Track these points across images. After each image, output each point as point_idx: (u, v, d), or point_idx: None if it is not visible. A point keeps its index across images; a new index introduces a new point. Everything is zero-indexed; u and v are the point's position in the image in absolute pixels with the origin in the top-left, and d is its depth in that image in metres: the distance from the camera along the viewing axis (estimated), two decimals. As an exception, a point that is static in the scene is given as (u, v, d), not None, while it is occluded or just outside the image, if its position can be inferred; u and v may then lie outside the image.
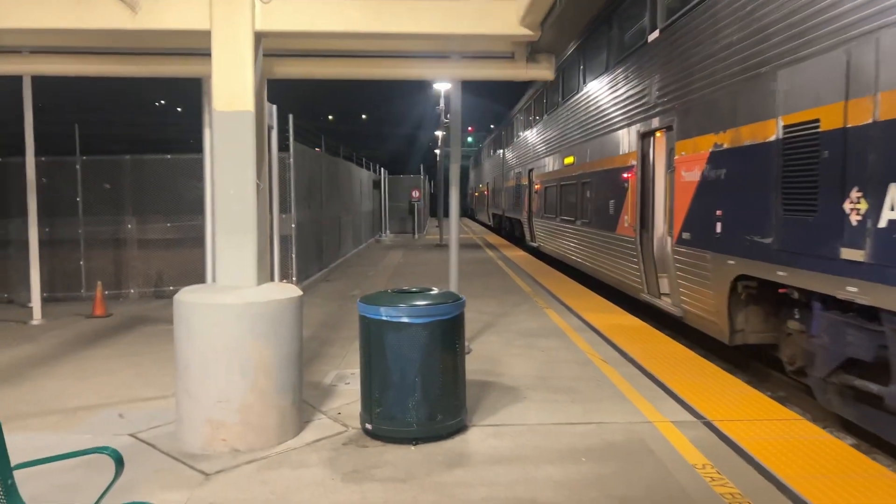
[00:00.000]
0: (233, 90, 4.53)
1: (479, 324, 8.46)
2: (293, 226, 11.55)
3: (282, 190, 11.42)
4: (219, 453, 4.35)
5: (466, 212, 59.50)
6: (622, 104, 10.38)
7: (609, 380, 5.97)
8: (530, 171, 20.13)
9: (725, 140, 6.68)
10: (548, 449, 4.40)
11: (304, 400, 5.08)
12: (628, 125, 9.98)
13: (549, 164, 16.78)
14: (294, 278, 11.59)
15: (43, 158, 11.02)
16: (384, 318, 4.43)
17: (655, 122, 8.78)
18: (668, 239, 8.32)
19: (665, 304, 8.65)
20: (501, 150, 29.41)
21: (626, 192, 9.87)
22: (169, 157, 11.29)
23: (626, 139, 10.07)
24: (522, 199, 21.75)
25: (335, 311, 9.87)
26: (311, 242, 13.06)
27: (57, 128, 11.47)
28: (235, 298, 4.40)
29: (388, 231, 28.27)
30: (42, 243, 10.92)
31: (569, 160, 14.26)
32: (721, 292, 6.79)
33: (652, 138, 9.26)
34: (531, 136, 20.12)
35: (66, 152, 11.09)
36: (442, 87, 23.59)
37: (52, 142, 11.68)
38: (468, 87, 6.81)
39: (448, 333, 4.54)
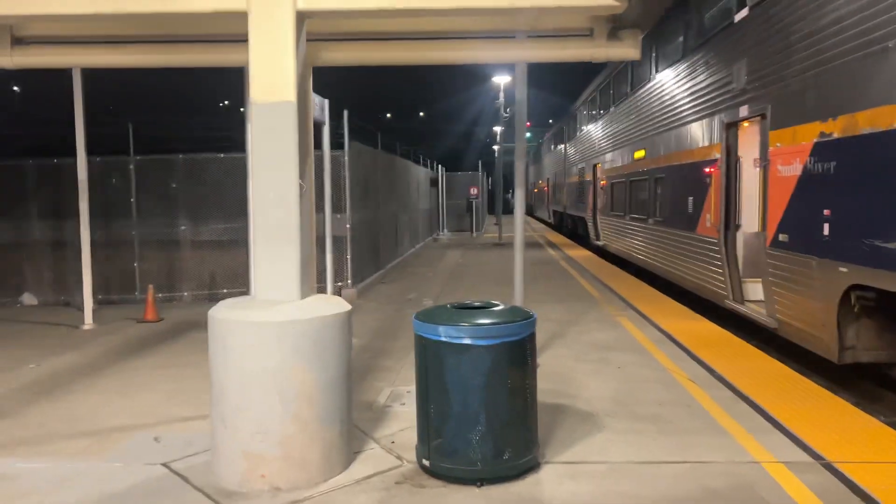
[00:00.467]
0: (272, 78, 3.99)
1: (546, 333, 7.76)
2: (348, 226, 11.10)
3: (336, 189, 11.00)
4: (257, 491, 3.82)
5: (525, 209, 58.46)
6: (702, 92, 9.48)
7: (700, 405, 5.20)
8: (595, 166, 19.21)
9: (836, 129, 5.78)
10: (636, 497, 3.70)
11: (355, 424, 4.52)
12: (710, 115, 9.08)
13: (617, 158, 15.87)
14: (349, 281, 11.15)
15: (98, 159, 10.91)
16: (443, 339, 3.82)
17: (744, 111, 7.88)
18: (761, 241, 7.43)
19: (754, 312, 7.75)
20: (563, 145, 28.46)
21: (708, 189, 8.98)
22: (222, 156, 10.99)
23: (708, 130, 9.18)
24: (586, 195, 20.83)
25: (391, 316, 9.33)
26: (366, 243, 12.61)
27: (121, 129, 11.33)
28: (275, 315, 3.86)
29: (445, 229, 27.74)
30: (97, 245, 10.79)
31: (639, 154, 13.36)
32: (829, 303, 5.91)
33: (738, 129, 8.36)
34: (596, 129, 19.19)
35: (126, 153, 10.90)
36: (501, 80, 22.88)
37: (116, 143, 11.58)
38: (527, 79, 6.13)
39: (517, 357, 3.90)
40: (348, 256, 11.12)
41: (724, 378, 5.89)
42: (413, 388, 4.26)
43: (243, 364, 3.84)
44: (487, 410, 3.81)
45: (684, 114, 10.26)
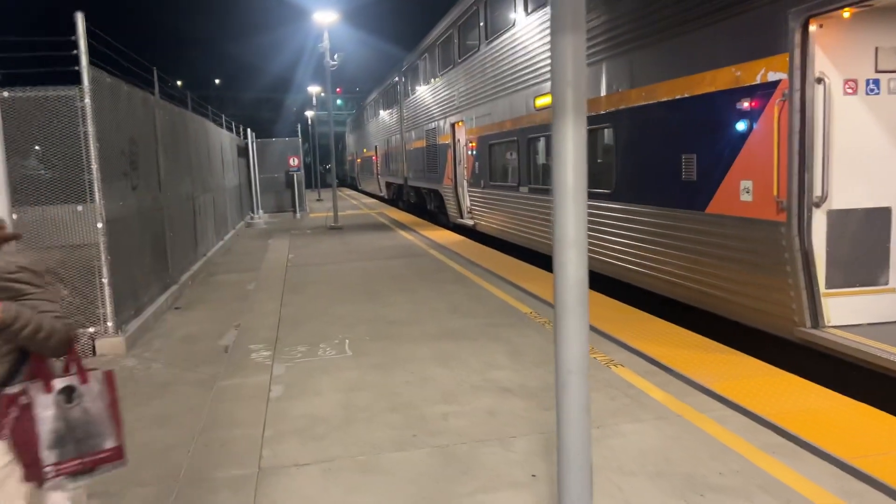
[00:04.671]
0: None
1: (530, 442, 3.65)
2: (100, 225, 6.12)
3: (70, 158, 5.99)
4: None
5: (345, 181, 53.81)
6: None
7: None
8: (454, 125, 15.33)
9: None
10: None
11: None
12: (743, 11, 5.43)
13: (498, 111, 12.04)
14: (108, 323, 6.19)
15: None
16: None
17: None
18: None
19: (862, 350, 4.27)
20: (397, 105, 24.23)
21: (744, 141, 5.35)
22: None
23: (736, 38, 5.55)
24: (440, 163, 16.92)
25: (191, 404, 4.66)
26: (143, 247, 7.62)
27: None
28: None
29: (260, 210, 22.48)
30: None
31: (543, 101, 9.60)
32: None
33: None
34: (455, 78, 15.21)
35: None
36: (325, 17, 17.95)
37: None
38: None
39: None
40: (104, 279, 6.15)
41: None
42: None
43: None
44: None
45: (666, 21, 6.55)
